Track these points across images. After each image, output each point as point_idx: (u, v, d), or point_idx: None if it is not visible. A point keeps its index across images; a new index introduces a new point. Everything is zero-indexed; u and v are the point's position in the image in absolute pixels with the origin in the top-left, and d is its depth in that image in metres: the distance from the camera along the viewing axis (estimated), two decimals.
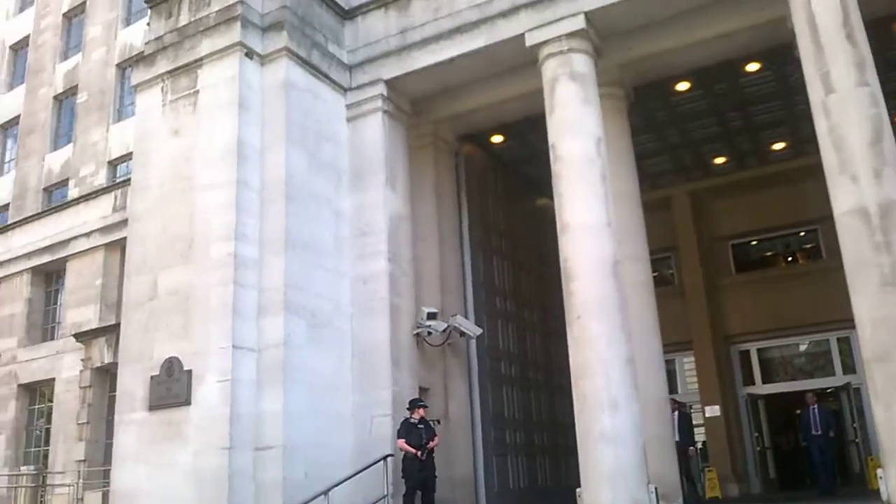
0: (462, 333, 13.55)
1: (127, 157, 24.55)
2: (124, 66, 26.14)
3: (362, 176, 13.13)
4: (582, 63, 11.92)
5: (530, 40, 12.16)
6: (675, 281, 20.74)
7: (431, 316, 12.72)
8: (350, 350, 12.29)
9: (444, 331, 13.19)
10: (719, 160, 18.69)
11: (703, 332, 19.24)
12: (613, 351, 10.51)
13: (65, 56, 28.70)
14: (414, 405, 11.43)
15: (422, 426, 11.27)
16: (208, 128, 12.00)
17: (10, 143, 30.10)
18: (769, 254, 21.10)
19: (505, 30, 12.43)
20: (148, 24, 14.09)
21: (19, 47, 31.02)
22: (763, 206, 19.23)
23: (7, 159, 29.79)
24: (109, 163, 25.26)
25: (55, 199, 26.96)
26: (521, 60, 12.66)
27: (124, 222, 20.51)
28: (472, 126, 15.42)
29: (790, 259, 20.81)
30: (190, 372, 10.94)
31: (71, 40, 28.90)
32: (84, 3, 28.37)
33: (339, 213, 12.79)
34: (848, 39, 10.04)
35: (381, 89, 13.35)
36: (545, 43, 12.07)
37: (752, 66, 14.34)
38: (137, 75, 13.17)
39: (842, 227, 9.72)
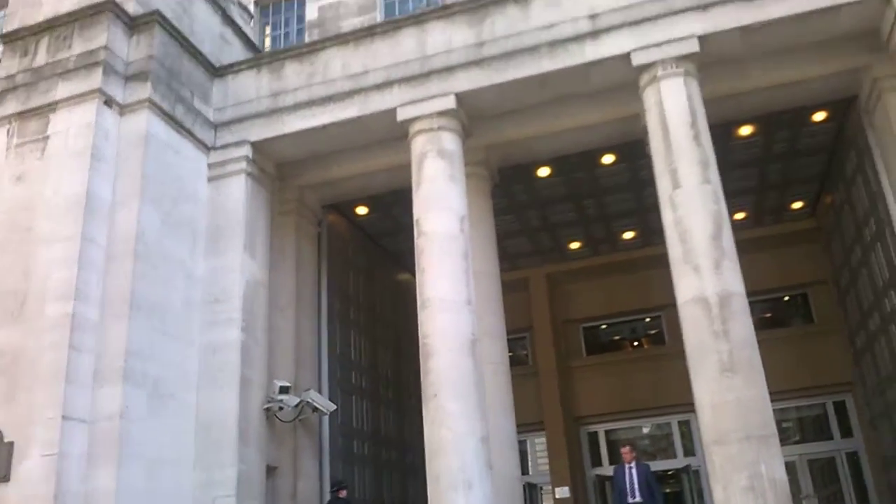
0: (315, 409, 13.01)
1: None
2: None
3: (220, 239, 12.60)
4: (450, 141, 12.18)
5: (402, 115, 12.32)
6: (529, 361, 21.15)
7: (284, 390, 12.19)
8: (194, 424, 11.50)
9: (297, 406, 12.64)
10: (574, 245, 19.48)
11: (554, 412, 19.58)
12: (468, 430, 10.43)
13: None
14: (339, 485, 11.75)
15: None
16: (56, 176, 11.17)
17: None
18: (617, 338, 22.02)
19: (378, 102, 12.53)
20: None
21: None
22: (613, 292, 20.14)
23: None
24: None
25: None
26: (392, 134, 12.80)
27: None
28: (337, 195, 15.29)
29: (636, 344, 21.80)
30: (11, 444, 9.81)
31: None
32: None
33: (191, 276, 12.15)
34: (695, 140, 10.87)
35: (246, 151, 13.02)
36: (416, 119, 12.27)
37: (608, 158, 15.16)
38: None
39: (684, 315, 10.28)
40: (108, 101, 11.64)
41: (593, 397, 20.05)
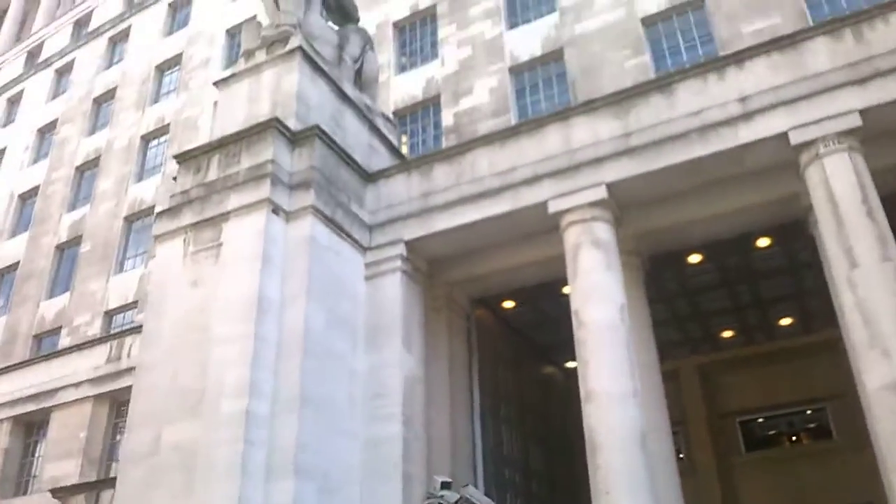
0: None
1: (125, 307, 24.46)
2: (132, 219, 26.62)
3: (378, 335, 12.92)
4: (604, 231, 12.16)
5: (553, 207, 12.45)
6: (685, 457, 20.05)
7: (445, 485, 12.03)
8: None
9: (456, 502, 12.43)
10: (727, 333, 18.68)
11: None
12: None
13: (72, 207, 29.21)
14: None
15: None
16: (229, 280, 11.89)
17: (4, 288, 29.87)
18: (774, 432, 20.66)
19: (528, 197, 12.75)
20: (174, 179, 14.45)
21: (27, 196, 31.59)
22: (770, 382, 19.05)
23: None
24: (106, 313, 25.04)
25: (45, 346, 26.44)
26: (541, 227, 12.93)
27: (118, 374, 20.24)
28: (485, 290, 15.44)
29: (795, 438, 20.36)
30: None
31: (80, 192, 29.53)
32: (98, 158, 29.24)
33: (353, 372, 12.45)
34: (868, 216, 10.35)
35: (400, 249, 13.47)
36: (567, 211, 12.36)
37: (763, 241, 14.64)
38: (160, 226, 13.22)
39: (874, 403, 9.50)
40: (276, 209, 12.41)
41: (758, 498, 18.65)
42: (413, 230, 13.57)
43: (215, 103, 26.47)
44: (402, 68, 23.04)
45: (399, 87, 22.19)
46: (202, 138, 25.89)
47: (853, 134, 10.97)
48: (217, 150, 13.52)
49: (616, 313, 11.44)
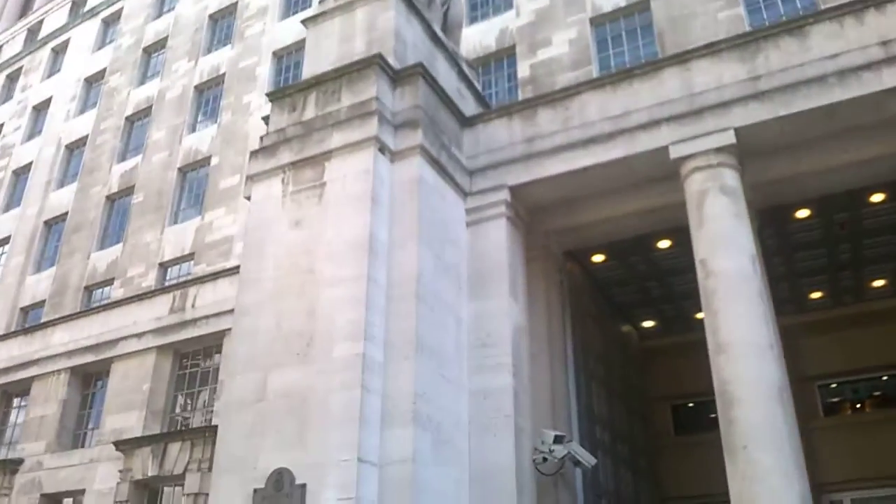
0: (577, 463, 12.29)
1: (182, 259, 24.07)
2: (186, 170, 26.11)
3: (483, 283, 12.38)
4: (731, 178, 11.51)
5: (675, 153, 11.80)
6: None
7: (558, 439, 11.57)
8: (467, 472, 11.06)
9: (562, 458, 11.97)
10: (815, 295, 18.01)
11: None
12: (785, 485, 9.40)
13: (122, 157, 28.77)
14: None
15: None
16: (336, 220, 11.36)
17: (51, 239, 29.57)
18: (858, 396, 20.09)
19: (645, 142, 12.08)
20: (262, 119, 13.90)
21: (75, 147, 31.19)
22: (856, 346, 18.38)
23: (48, 256, 29.15)
24: (160, 264, 24.63)
25: (95, 298, 26.13)
26: (655, 174, 12.34)
27: (182, 325, 19.88)
28: (578, 242, 14.82)
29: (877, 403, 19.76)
30: (304, 487, 9.67)
31: (131, 142, 29.01)
32: (149, 107, 28.73)
33: (459, 320, 11.95)
34: None
35: (504, 195, 12.88)
36: (691, 156, 11.70)
37: (878, 197, 13.93)
38: (255, 165, 12.68)
39: None
40: (382, 148, 11.82)
41: (836, 462, 18.13)
42: (517, 175, 12.94)
43: (274, 53, 26.07)
44: (472, 19, 22.22)
45: (470, 39, 21.37)
46: (261, 88, 25.37)
47: None
48: (314, 87, 12.92)
49: (748, 263, 10.83)
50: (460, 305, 12.11)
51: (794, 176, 12.49)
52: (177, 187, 25.92)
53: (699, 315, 19.21)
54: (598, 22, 20.00)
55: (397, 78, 12.70)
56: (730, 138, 11.49)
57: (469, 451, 11.22)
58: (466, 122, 13.87)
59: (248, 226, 12.51)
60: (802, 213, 14.40)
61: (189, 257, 24.12)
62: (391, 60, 12.93)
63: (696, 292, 17.75)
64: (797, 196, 13.49)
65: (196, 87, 27.65)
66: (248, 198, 12.85)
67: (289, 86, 13.56)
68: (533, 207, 13.55)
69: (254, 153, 12.95)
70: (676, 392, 20.47)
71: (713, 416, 20.59)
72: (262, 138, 13.11)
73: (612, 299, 17.65)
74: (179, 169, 26.15)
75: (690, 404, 21.48)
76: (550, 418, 12.81)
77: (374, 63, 12.45)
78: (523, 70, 20.24)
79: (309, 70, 13.88)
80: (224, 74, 26.97)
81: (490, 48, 21.28)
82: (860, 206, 14.31)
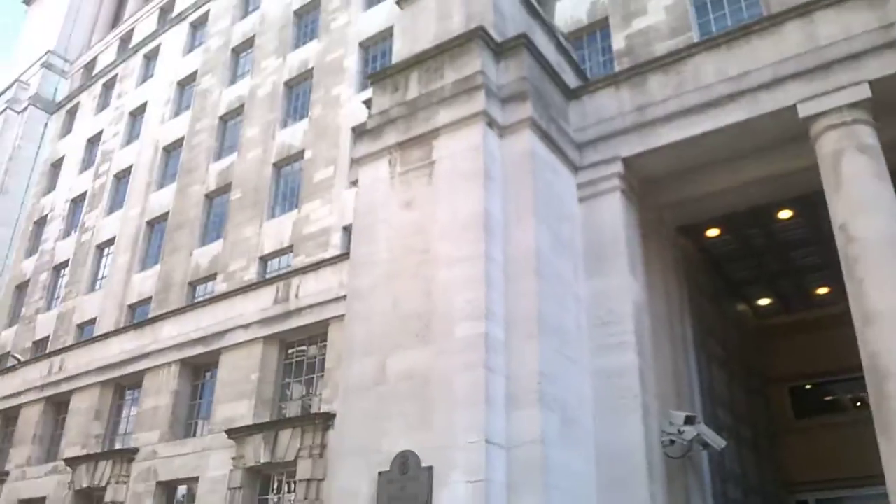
0: (705, 445, 11.75)
1: (281, 252, 24.37)
2: (281, 165, 26.43)
3: (600, 260, 11.91)
4: (869, 135, 10.69)
5: (804, 111, 11.04)
6: None
7: (689, 420, 11.04)
8: (594, 454, 10.65)
9: (691, 440, 11.42)
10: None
11: None
12: None
13: (218, 156, 29.35)
14: None
15: None
16: (448, 199, 11.10)
17: (154, 238, 30.52)
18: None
19: (769, 102, 11.37)
20: (363, 103, 13.77)
21: (172, 148, 32.07)
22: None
23: (152, 254, 30.10)
24: (261, 258, 25.00)
25: (199, 293, 26.77)
26: (782, 136, 11.64)
27: (287, 315, 20.08)
28: (693, 215, 14.21)
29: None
30: (430, 469, 9.45)
31: (226, 141, 29.60)
32: (241, 106, 29.22)
33: (577, 298, 11.53)
34: None
35: (618, 167, 12.38)
36: (822, 114, 10.93)
37: None
38: (361, 148, 12.55)
39: None
40: (491, 123, 11.49)
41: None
42: (631, 146, 12.41)
43: (360, 44, 26.07)
44: None
45: (560, 13, 20.70)
46: (349, 80, 25.44)
47: None
48: (415, 66, 12.68)
49: (894, 225, 10.00)
50: (578, 283, 11.69)
51: None
52: (272, 182, 26.26)
53: (821, 290, 18.49)
54: None
55: (500, 51, 12.33)
56: (864, 92, 10.68)
57: (594, 432, 10.80)
58: (571, 94, 13.40)
59: (357, 210, 12.39)
60: None
61: (288, 250, 24.40)
62: (492, 33, 12.58)
63: (817, 266, 17.09)
64: None
65: (286, 84, 27.94)
66: (355, 182, 12.75)
67: (389, 67, 13.35)
68: (646, 180, 13.00)
69: (358, 136, 12.83)
70: (796, 372, 19.51)
71: (831, 398, 19.80)
72: (366, 121, 12.98)
73: (726, 276, 16.88)
74: (274, 164, 26.49)
75: (808, 386, 20.51)
76: (675, 399, 12.30)
77: (476, 36, 12.11)
78: (618, 42, 19.50)
79: (407, 49, 13.65)
80: (312, 69, 27.15)
81: (581, 21, 20.61)
82: None
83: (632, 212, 12.56)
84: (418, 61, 12.74)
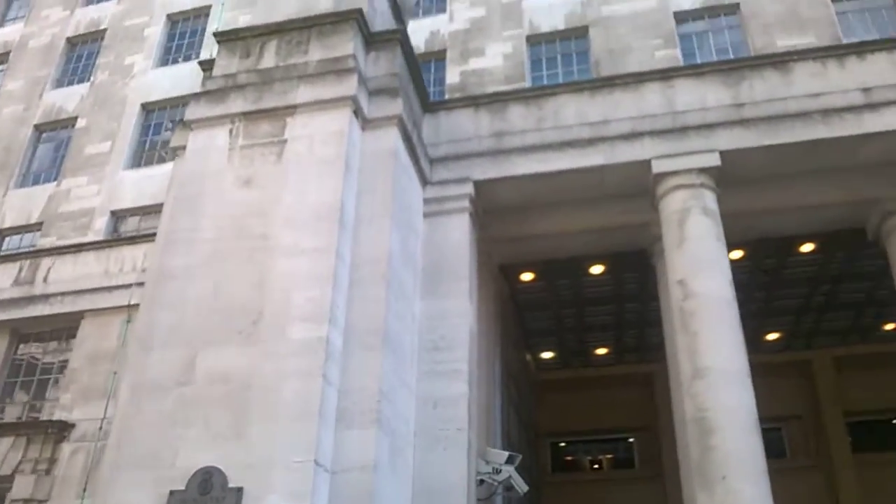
0: (509, 489, 11.30)
1: (26, 228, 20.85)
2: (45, 129, 22.83)
3: (438, 280, 11.17)
4: (712, 200, 11.23)
5: (658, 168, 11.39)
6: None
7: (511, 460, 10.50)
8: (410, 488, 9.69)
9: (501, 482, 10.90)
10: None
11: None
12: None
13: None
14: None
15: None
16: (298, 183, 9.77)
17: None
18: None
19: (627, 152, 11.60)
20: (199, 65, 12.01)
21: None
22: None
23: None
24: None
25: None
26: (628, 189, 11.97)
27: (28, 300, 17.01)
28: (516, 256, 14.08)
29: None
30: (240, 491, 7.89)
31: None
32: (7, 54, 24.95)
33: (413, 316, 10.65)
34: None
35: (469, 189, 11.87)
36: (674, 173, 11.33)
37: (807, 247, 14.33)
38: (196, 110, 10.79)
39: None
40: (357, 112, 10.44)
41: None
42: (485, 170, 11.98)
43: (168, 16, 23.57)
44: None
45: None
46: (148, 50, 22.81)
47: None
48: (274, 35, 11.33)
49: (728, 288, 10.46)
50: (415, 301, 10.83)
51: (778, 210, 12.32)
52: (30, 146, 22.49)
53: (600, 350, 19.37)
54: (534, 41, 19.66)
55: (372, 41, 11.41)
56: (715, 160, 11.27)
57: (415, 464, 9.85)
58: (427, 108, 12.75)
59: (179, 177, 10.61)
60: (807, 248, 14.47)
61: (35, 227, 20.89)
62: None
63: (606, 325, 17.85)
64: (784, 230, 13.31)
65: (69, 40, 24.38)
66: (182, 148, 10.95)
67: (242, 28, 11.77)
68: (485, 210, 12.58)
69: (195, 96, 11.04)
70: (559, 429, 20.22)
71: (578, 457, 20.87)
72: (204, 82, 11.29)
73: (524, 323, 16.95)
74: (36, 126, 22.78)
75: (562, 444, 21.40)
76: (486, 437, 11.75)
77: (352, 18, 11.09)
78: (453, 76, 19.44)
79: (262, 17, 12.18)
80: (105, 30, 24.00)
81: (419, 48, 20.25)
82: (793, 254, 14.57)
83: (474, 237, 12.04)
84: (279, 30, 11.40)
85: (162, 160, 20.48)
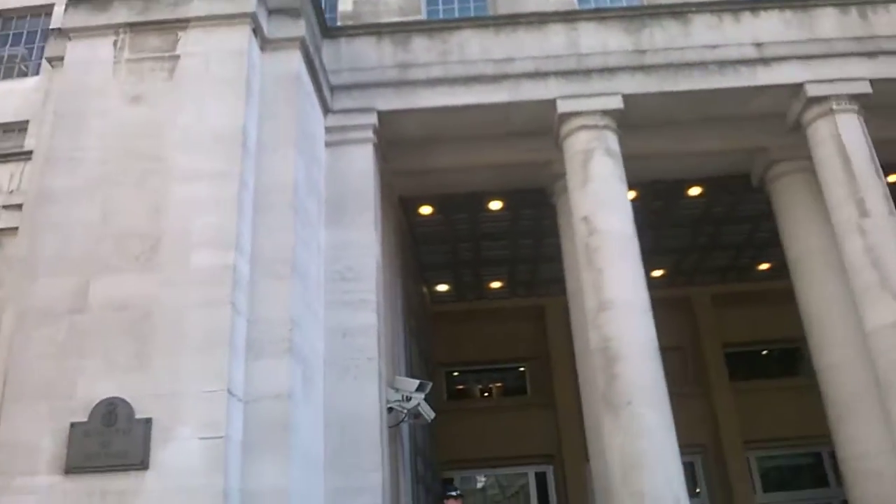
0: (416, 416, 11.44)
1: None
2: None
3: (342, 211, 10.93)
4: (615, 142, 11.53)
5: (562, 108, 11.56)
6: None
7: (422, 388, 10.59)
8: (322, 417, 9.61)
9: (409, 410, 11.02)
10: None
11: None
12: (668, 441, 9.54)
13: None
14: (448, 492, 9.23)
15: None
16: (195, 103, 9.16)
17: None
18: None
19: (532, 91, 11.68)
20: None
21: None
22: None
23: None
24: None
25: None
26: (530, 126, 12.07)
27: None
28: (415, 189, 13.97)
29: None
30: (149, 421, 7.54)
31: None
32: None
33: (319, 246, 10.40)
34: (876, 174, 10.98)
35: (373, 119, 11.59)
36: (578, 114, 11.53)
37: (694, 190, 15.02)
38: (75, 17, 9.80)
39: (882, 339, 10.05)
40: (256, 30, 9.87)
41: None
42: (389, 100, 11.72)
43: None
44: None
45: None
46: None
47: (859, 99, 11.49)
48: None
49: (630, 225, 10.87)
50: (320, 230, 10.57)
51: (668, 154, 12.71)
52: None
53: (495, 284, 19.74)
54: None
55: None
56: (618, 102, 11.54)
57: (326, 393, 9.76)
58: (327, 33, 12.26)
59: (59, 92, 9.69)
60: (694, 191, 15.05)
61: None
62: None
63: (502, 259, 18.16)
64: (676, 174, 13.82)
65: None
66: (59, 59, 10.02)
67: None
68: (388, 142, 12.36)
69: (72, 2, 10.01)
70: (453, 360, 20.62)
71: (480, 385, 21.28)
72: None
73: (420, 256, 16.99)
74: None
75: (456, 373, 21.82)
76: (392, 367, 11.79)
77: None
78: (345, 4, 18.46)
79: None
80: None
81: None
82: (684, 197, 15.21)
83: (377, 168, 11.83)
84: None
85: (24, 74, 18.77)
